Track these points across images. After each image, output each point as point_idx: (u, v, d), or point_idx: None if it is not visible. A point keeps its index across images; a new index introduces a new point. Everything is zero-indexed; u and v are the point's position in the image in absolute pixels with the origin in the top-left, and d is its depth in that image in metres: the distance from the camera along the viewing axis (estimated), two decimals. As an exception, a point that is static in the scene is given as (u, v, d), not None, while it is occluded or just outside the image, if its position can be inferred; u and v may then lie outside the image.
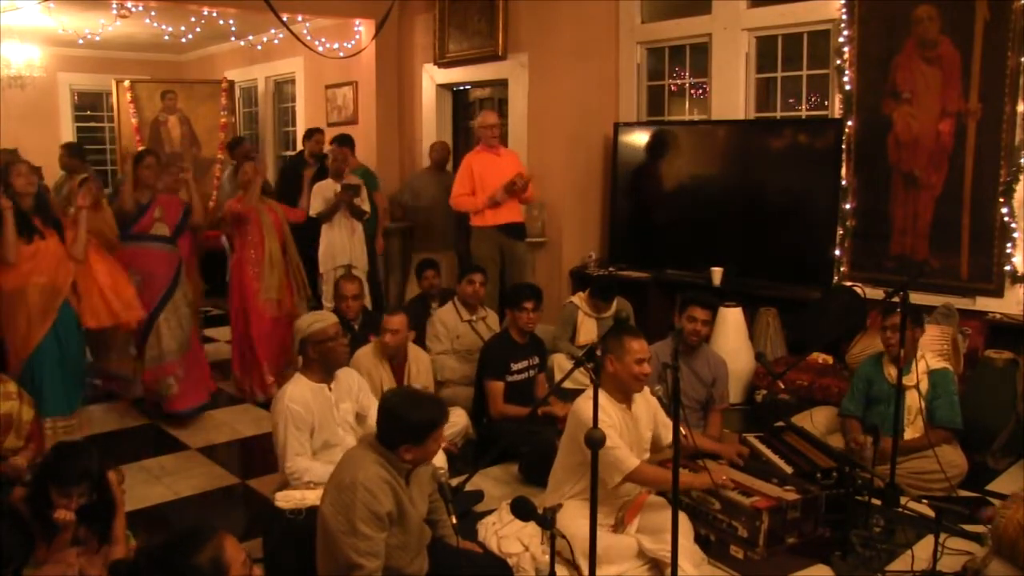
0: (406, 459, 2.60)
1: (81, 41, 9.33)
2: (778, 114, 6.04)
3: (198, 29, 8.78)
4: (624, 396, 3.30)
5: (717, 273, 5.76)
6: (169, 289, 5.02)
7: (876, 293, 4.92)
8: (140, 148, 8.55)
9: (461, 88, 7.87)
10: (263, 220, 5.47)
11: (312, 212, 6.58)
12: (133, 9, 7.74)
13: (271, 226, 5.49)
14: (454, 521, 2.78)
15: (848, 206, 5.40)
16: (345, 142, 7.52)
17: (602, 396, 2.70)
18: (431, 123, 7.92)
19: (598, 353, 3.00)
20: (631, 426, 3.29)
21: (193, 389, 5.13)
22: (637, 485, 3.26)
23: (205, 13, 7.98)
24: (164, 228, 5.07)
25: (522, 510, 2.46)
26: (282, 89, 10.04)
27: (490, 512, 3.60)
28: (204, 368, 5.35)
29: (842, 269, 5.46)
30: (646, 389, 3.37)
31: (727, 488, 3.29)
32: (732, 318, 5.37)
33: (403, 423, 2.60)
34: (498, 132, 6.11)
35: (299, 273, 5.67)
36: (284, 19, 6.70)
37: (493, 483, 4.13)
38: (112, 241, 5.17)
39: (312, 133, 7.41)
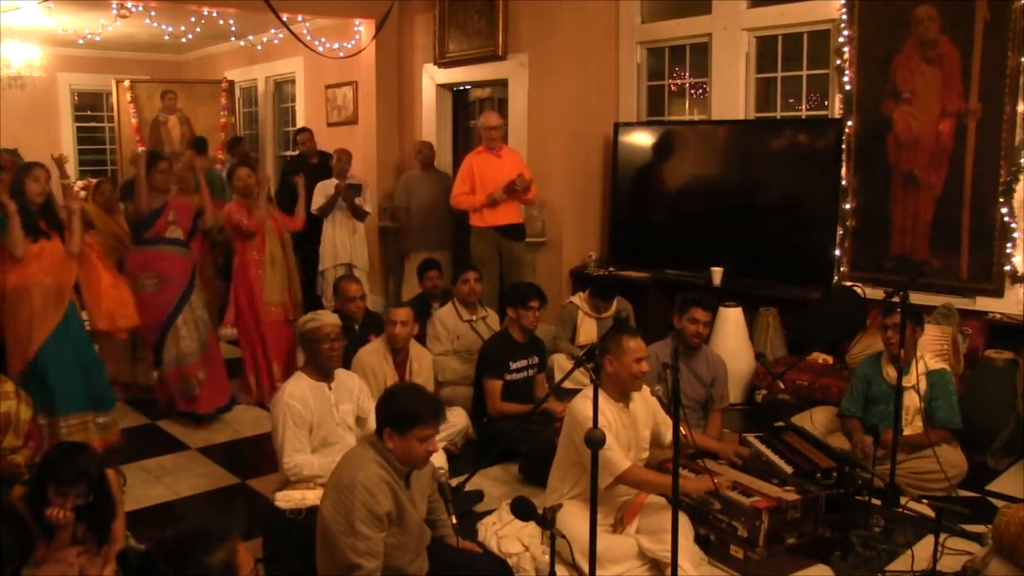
0: (388, 447, 2.60)
1: (81, 41, 9.34)
2: (778, 114, 6.03)
3: (198, 29, 8.78)
4: (622, 395, 3.30)
5: (717, 273, 5.75)
6: (186, 291, 5.08)
7: (876, 293, 4.91)
8: (142, 149, 8.56)
9: (461, 88, 7.86)
10: (264, 223, 5.49)
11: (313, 208, 6.70)
12: (133, 9, 7.74)
13: (271, 229, 5.50)
14: (454, 521, 2.79)
15: (848, 206, 5.40)
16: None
17: (599, 396, 2.69)
18: (431, 123, 7.91)
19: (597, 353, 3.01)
20: (628, 425, 3.29)
21: (215, 391, 5.17)
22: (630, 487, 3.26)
23: (205, 13, 7.98)
24: (178, 231, 5.12)
25: (522, 510, 2.47)
26: (282, 89, 10.04)
27: (490, 512, 3.61)
28: (222, 369, 5.33)
29: (842, 269, 5.46)
30: (645, 388, 3.37)
31: (721, 493, 3.28)
32: (732, 318, 5.37)
33: (391, 405, 2.63)
34: (499, 134, 6.11)
35: (295, 277, 5.67)
36: (284, 19, 6.71)
37: (493, 483, 4.13)
38: (125, 243, 5.22)
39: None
